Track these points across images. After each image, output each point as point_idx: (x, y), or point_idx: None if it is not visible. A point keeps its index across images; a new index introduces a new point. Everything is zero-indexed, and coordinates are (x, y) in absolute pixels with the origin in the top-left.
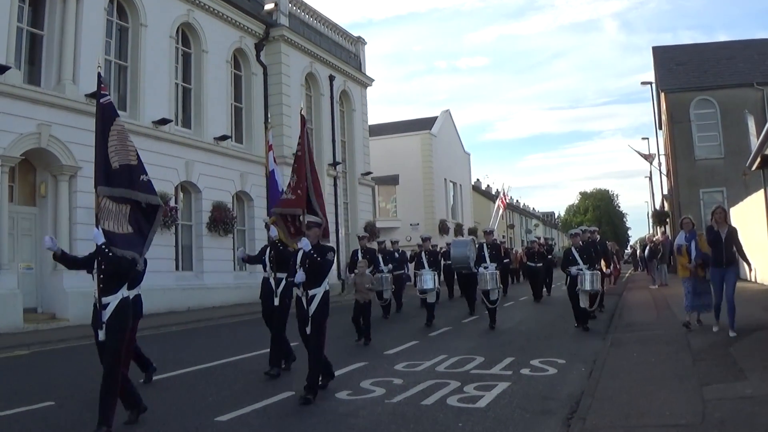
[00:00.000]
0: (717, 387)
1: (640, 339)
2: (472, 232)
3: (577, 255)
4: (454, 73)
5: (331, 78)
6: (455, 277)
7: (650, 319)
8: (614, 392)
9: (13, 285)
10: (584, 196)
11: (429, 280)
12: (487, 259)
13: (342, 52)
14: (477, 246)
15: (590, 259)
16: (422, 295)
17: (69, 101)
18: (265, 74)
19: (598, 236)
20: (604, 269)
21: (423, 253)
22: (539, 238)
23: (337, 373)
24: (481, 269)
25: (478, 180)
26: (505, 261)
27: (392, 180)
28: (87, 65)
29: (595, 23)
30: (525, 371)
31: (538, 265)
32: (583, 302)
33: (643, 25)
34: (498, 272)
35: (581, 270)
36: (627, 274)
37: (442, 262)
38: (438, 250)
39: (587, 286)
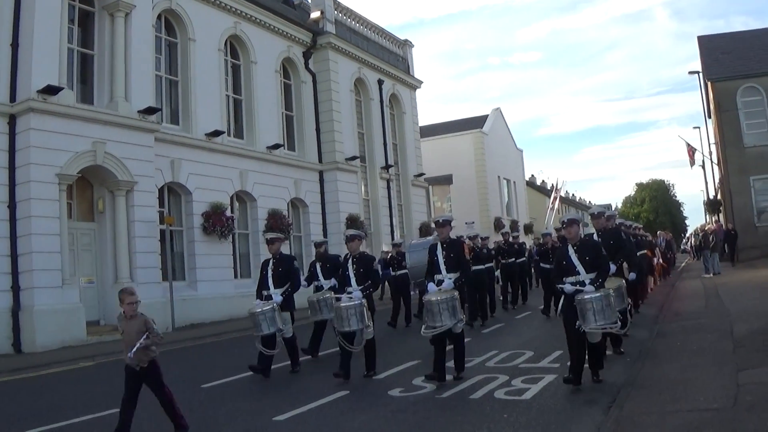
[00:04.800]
0: (752, 372)
1: (685, 328)
2: (528, 228)
3: (574, 258)
4: (507, 69)
5: (380, 82)
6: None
7: (698, 308)
8: (654, 380)
9: (76, 299)
10: (641, 187)
11: (353, 317)
12: (442, 267)
13: (390, 56)
14: (438, 244)
15: (597, 264)
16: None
17: (122, 118)
18: (315, 82)
19: (631, 224)
20: (626, 275)
21: (350, 263)
22: (559, 229)
23: (390, 372)
24: (431, 286)
25: (533, 176)
26: (518, 261)
27: (446, 180)
28: (138, 82)
29: (646, 13)
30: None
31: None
32: (593, 338)
33: (694, 12)
34: (456, 291)
35: (582, 285)
36: (683, 264)
37: (389, 271)
38: (390, 255)
39: (594, 322)
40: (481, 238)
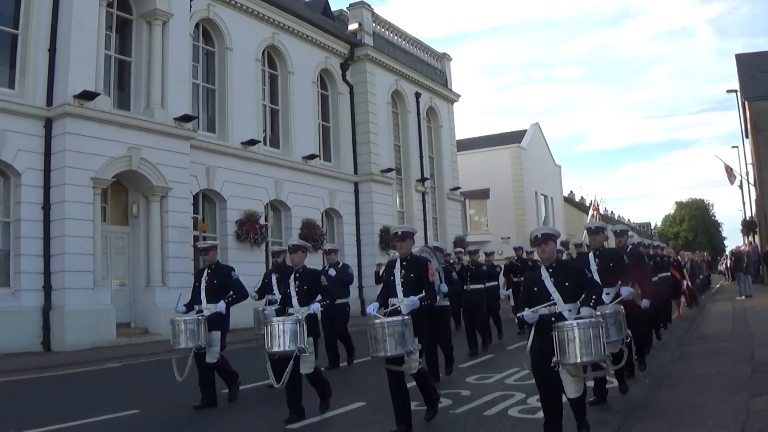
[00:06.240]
0: (766, 399)
1: (707, 351)
2: (565, 244)
3: (549, 283)
4: (550, 84)
5: (417, 95)
6: None
7: (724, 331)
8: (667, 404)
9: (107, 301)
10: (680, 205)
11: (285, 335)
12: (398, 290)
13: (427, 69)
14: (396, 261)
15: (579, 292)
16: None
17: (158, 125)
18: (352, 93)
19: (650, 243)
20: (638, 298)
21: (292, 279)
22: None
23: (408, 385)
24: (371, 306)
25: (571, 192)
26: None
27: (483, 194)
28: (175, 89)
29: (689, 29)
30: (590, 383)
31: None
32: (572, 389)
33: (736, 30)
34: (409, 318)
35: (559, 319)
36: (717, 285)
37: None
38: (382, 269)
39: (575, 357)
40: (486, 254)
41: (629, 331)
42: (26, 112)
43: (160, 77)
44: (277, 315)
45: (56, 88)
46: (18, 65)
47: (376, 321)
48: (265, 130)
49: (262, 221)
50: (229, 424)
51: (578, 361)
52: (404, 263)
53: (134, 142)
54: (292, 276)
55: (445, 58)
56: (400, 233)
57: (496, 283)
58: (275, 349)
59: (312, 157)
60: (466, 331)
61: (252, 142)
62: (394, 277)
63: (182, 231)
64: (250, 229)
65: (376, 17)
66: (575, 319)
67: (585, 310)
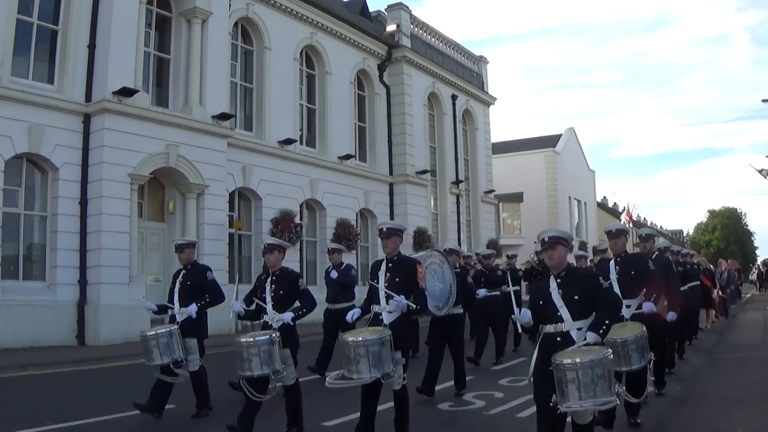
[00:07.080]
0: None
1: (738, 360)
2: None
3: (556, 295)
4: (585, 88)
5: (454, 97)
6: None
7: (755, 340)
8: (698, 411)
9: (142, 296)
10: (713, 214)
11: (255, 358)
12: (381, 295)
13: (464, 72)
14: (383, 262)
15: (591, 305)
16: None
17: (196, 122)
18: (388, 94)
19: (680, 250)
20: (664, 311)
21: (268, 282)
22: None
23: (441, 387)
24: (352, 312)
25: (605, 197)
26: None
27: (517, 197)
28: (213, 87)
29: (726, 37)
30: (622, 389)
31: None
32: (581, 417)
33: None
34: (388, 331)
35: (566, 340)
36: (748, 295)
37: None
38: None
39: (576, 400)
40: (508, 256)
41: (652, 354)
42: (65, 107)
43: (199, 75)
44: (251, 319)
45: (95, 84)
46: (57, 61)
47: (349, 339)
48: (301, 130)
49: (297, 220)
50: (268, 418)
51: (580, 407)
52: (390, 264)
53: (172, 139)
54: (269, 279)
55: (481, 60)
56: (385, 230)
57: (518, 288)
58: (246, 373)
59: (348, 157)
60: (475, 339)
61: (288, 141)
62: (378, 281)
63: (218, 228)
64: (285, 228)
65: (414, 19)
66: (577, 357)
67: (591, 336)
